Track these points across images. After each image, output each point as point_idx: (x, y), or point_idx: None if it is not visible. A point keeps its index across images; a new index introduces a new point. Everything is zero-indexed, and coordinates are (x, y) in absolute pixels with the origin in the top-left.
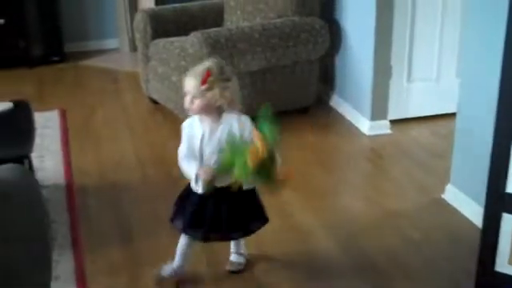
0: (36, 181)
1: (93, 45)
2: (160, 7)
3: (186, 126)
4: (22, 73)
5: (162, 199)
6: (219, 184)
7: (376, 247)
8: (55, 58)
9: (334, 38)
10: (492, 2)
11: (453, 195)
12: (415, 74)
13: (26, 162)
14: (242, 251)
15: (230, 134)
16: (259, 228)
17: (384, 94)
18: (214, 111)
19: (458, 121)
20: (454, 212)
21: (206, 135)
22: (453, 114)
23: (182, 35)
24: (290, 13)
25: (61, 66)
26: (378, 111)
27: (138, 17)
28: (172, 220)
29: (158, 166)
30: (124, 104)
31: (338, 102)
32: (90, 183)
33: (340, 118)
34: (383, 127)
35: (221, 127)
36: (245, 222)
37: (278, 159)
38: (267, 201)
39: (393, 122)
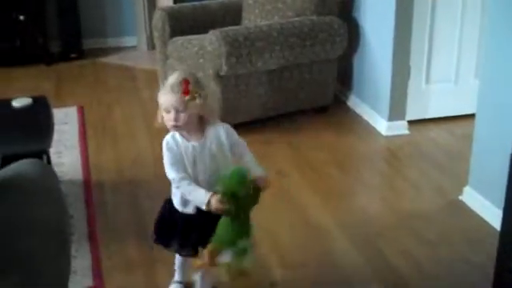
0: (55, 175)
1: (111, 42)
2: (179, 5)
3: (169, 146)
4: (40, 69)
5: None
6: None
7: (392, 248)
8: (73, 55)
9: (352, 37)
10: None
11: (471, 197)
12: (434, 74)
13: (45, 157)
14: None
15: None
16: None
17: (402, 94)
18: (198, 123)
19: (477, 122)
20: (472, 214)
21: (197, 150)
22: (471, 116)
23: (201, 33)
24: (308, 12)
25: (79, 62)
26: (396, 112)
27: (157, 15)
28: (156, 240)
29: None
30: (141, 101)
31: (355, 102)
32: (107, 179)
33: (357, 118)
34: (401, 128)
35: (209, 139)
36: None
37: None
38: (284, 199)
39: (411, 122)
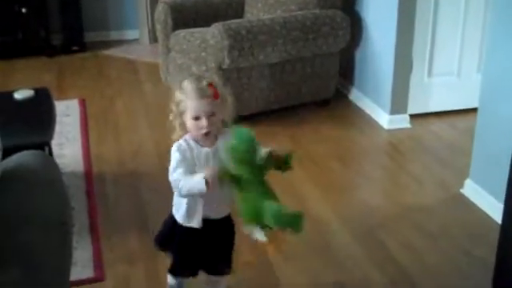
0: (57, 167)
1: (113, 35)
2: None
3: (181, 148)
4: (42, 62)
5: None
6: (214, 216)
7: (394, 241)
8: (75, 48)
9: (354, 31)
10: None
11: (472, 190)
12: (436, 68)
13: (46, 149)
14: None
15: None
16: (226, 273)
17: (404, 88)
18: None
19: (479, 116)
20: (473, 207)
21: (210, 156)
22: (474, 110)
23: (203, 26)
24: (311, 5)
25: (81, 55)
26: (398, 105)
27: (159, 8)
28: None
29: None
30: (143, 94)
31: (357, 96)
32: (109, 171)
33: (359, 112)
34: (403, 121)
35: (220, 143)
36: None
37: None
38: (285, 191)
39: (413, 116)
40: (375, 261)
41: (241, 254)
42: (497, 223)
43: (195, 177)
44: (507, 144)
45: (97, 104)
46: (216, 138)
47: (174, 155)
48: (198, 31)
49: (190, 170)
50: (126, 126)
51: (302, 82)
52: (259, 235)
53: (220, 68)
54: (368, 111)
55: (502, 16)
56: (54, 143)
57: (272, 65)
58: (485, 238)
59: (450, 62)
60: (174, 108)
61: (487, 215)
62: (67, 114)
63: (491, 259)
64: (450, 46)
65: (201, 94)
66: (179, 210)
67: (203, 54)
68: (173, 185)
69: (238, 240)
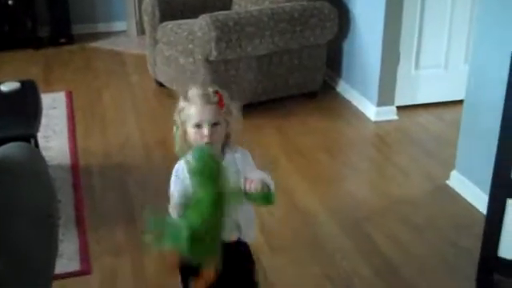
0: (43, 159)
1: (100, 27)
2: None
3: (176, 170)
4: (28, 54)
5: (166, 181)
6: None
7: (380, 232)
8: (62, 40)
9: (342, 23)
10: None
11: (458, 181)
12: (424, 60)
13: (32, 141)
14: None
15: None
16: None
17: (391, 80)
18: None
19: (465, 108)
20: (459, 198)
21: None
22: (461, 102)
23: (191, 18)
24: None
25: (68, 47)
26: (385, 97)
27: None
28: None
29: (163, 147)
30: (130, 86)
31: (344, 88)
32: (95, 164)
33: (346, 104)
34: (390, 113)
35: (227, 162)
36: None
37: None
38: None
39: (400, 108)
40: (362, 253)
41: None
42: (482, 214)
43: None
44: (492, 135)
45: (84, 96)
46: (223, 153)
47: (177, 178)
48: (185, 23)
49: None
50: (112, 118)
51: (290, 73)
52: None
53: (207, 60)
54: (355, 103)
55: (489, 8)
56: (41, 136)
57: (259, 57)
58: (470, 228)
59: (437, 55)
60: (176, 118)
61: (473, 206)
62: (54, 106)
63: (477, 250)
64: (438, 39)
65: (205, 99)
66: None
67: (190, 45)
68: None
69: None
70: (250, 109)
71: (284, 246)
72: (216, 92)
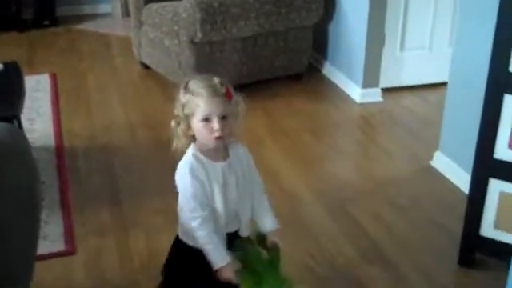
0: (26, 139)
1: (85, 9)
2: None
3: (195, 173)
4: (12, 36)
5: (151, 162)
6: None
7: (365, 213)
8: (47, 22)
9: (327, 5)
10: None
11: (441, 162)
12: (408, 42)
13: (16, 122)
14: None
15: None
16: None
17: (376, 62)
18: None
19: (449, 89)
20: (442, 178)
21: (226, 171)
22: (445, 83)
23: (175, 0)
24: None
25: (52, 30)
26: (370, 79)
27: None
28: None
29: (149, 129)
30: (115, 68)
31: (330, 70)
32: (80, 146)
33: (332, 86)
34: (375, 95)
35: (232, 158)
36: None
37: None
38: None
39: (385, 90)
40: (347, 233)
41: None
42: (465, 194)
43: (220, 251)
44: (475, 116)
45: (68, 79)
46: (226, 150)
47: (188, 183)
48: (170, 4)
49: (206, 197)
50: (97, 100)
51: (275, 55)
52: None
53: (192, 41)
54: (341, 85)
55: None
56: (25, 118)
57: (245, 38)
58: (454, 208)
59: (421, 36)
60: (177, 112)
61: (456, 186)
62: (38, 89)
63: (459, 229)
64: (422, 20)
65: (213, 91)
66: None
67: (175, 27)
68: (183, 219)
69: None
70: (236, 91)
71: None
72: (221, 83)
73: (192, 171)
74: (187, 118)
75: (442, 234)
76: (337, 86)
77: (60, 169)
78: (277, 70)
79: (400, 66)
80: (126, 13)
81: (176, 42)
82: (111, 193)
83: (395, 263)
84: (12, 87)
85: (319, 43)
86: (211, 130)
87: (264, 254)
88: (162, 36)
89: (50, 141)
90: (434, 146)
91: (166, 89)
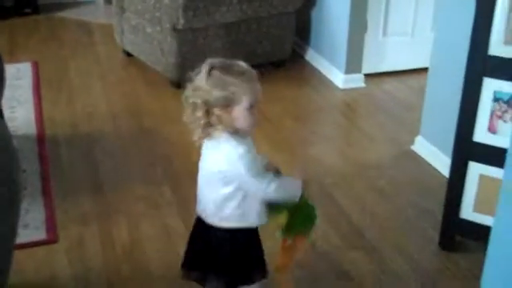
0: (6, 126)
1: None
2: None
3: (247, 149)
4: None
5: (133, 150)
6: None
7: (347, 197)
8: (28, 10)
9: None
10: None
11: (422, 146)
12: (391, 28)
13: None
14: None
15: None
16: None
17: (359, 47)
18: None
19: (430, 74)
20: (423, 163)
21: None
22: (427, 69)
23: None
24: None
25: (33, 17)
26: (353, 65)
27: None
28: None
29: (131, 117)
30: (97, 56)
31: (313, 56)
32: (62, 134)
33: (315, 72)
34: (357, 81)
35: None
36: None
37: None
38: None
39: (367, 75)
40: (328, 217)
41: None
42: (445, 178)
43: (290, 180)
44: (455, 101)
45: (50, 67)
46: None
47: (246, 160)
48: None
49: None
50: (79, 88)
51: (258, 42)
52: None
53: (175, 28)
54: (323, 71)
55: None
56: (6, 107)
57: (227, 25)
58: (434, 192)
59: (404, 22)
60: (210, 100)
61: (436, 170)
62: (19, 77)
63: (440, 212)
64: (405, 6)
65: (252, 75)
66: (249, 215)
67: (158, 14)
68: (262, 190)
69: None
70: None
71: None
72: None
73: (248, 150)
74: (226, 107)
75: (424, 217)
76: (320, 72)
77: (42, 157)
78: (260, 57)
79: (382, 52)
80: (109, 0)
81: (158, 28)
82: (93, 180)
83: (377, 247)
84: None
85: (302, 29)
86: (255, 118)
87: None
88: (145, 23)
89: (32, 129)
90: (415, 130)
91: (148, 76)
